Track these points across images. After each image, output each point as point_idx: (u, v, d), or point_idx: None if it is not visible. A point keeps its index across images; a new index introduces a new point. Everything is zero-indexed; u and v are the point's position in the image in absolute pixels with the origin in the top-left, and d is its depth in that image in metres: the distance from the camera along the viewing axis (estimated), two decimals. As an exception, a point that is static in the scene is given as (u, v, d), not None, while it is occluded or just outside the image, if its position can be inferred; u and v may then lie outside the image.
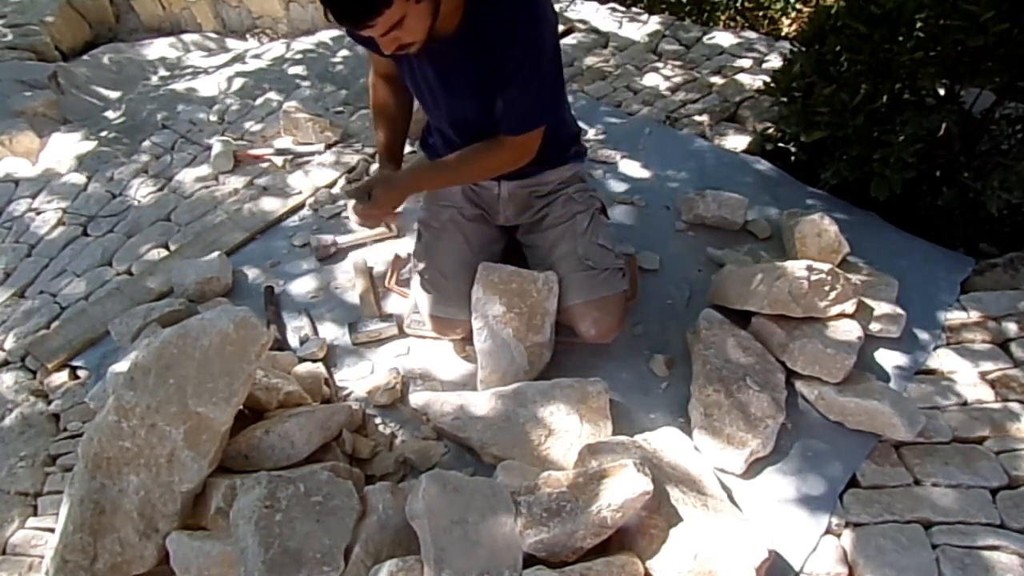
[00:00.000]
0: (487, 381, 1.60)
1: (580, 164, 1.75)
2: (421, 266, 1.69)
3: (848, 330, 1.56)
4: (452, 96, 1.46)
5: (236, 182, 2.56)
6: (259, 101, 3.13)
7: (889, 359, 1.65)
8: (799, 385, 1.56)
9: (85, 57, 4.35)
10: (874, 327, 1.65)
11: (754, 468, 1.44)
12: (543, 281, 1.61)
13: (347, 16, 1.15)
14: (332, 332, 1.84)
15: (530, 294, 1.59)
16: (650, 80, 2.88)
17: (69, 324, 1.99)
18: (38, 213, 2.59)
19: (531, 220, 1.74)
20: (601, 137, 2.52)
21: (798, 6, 3.95)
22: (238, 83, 3.40)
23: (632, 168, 2.33)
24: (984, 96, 1.96)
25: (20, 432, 1.73)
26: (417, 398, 1.57)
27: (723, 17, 3.93)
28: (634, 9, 3.61)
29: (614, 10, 3.52)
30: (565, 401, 1.50)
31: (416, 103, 1.62)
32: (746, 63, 2.93)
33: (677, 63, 3.02)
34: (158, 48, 4.55)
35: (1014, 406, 1.51)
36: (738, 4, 3.94)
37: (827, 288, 1.58)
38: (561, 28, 3.33)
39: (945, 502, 1.34)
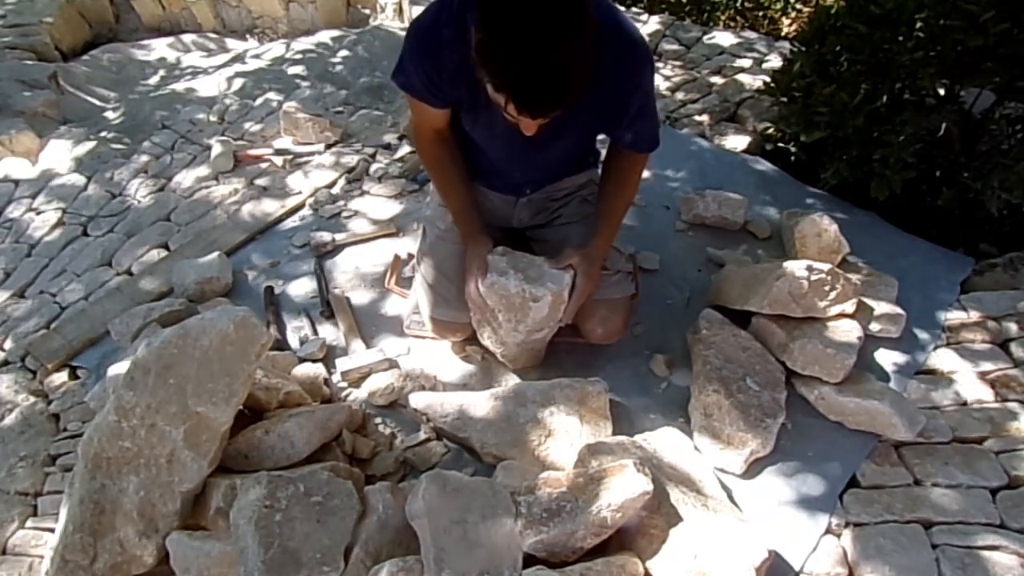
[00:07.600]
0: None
1: (595, 170, 1.75)
2: (424, 266, 1.68)
3: (848, 330, 1.56)
4: (539, 142, 1.39)
5: (236, 182, 2.56)
6: (259, 101, 3.13)
7: (889, 359, 1.65)
8: (799, 385, 1.56)
9: (85, 57, 4.36)
10: (874, 327, 1.65)
11: (754, 468, 1.44)
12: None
13: (539, 108, 1.09)
14: (332, 332, 1.84)
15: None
16: (650, 80, 2.87)
17: (69, 324, 1.99)
18: (38, 213, 2.59)
19: (544, 221, 1.74)
20: (601, 137, 2.51)
21: (798, 6, 3.95)
22: (238, 83, 3.40)
23: (632, 168, 2.33)
24: (984, 96, 1.96)
25: (20, 432, 1.73)
26: (417, 398, 1.57)
27: (723, 17, 3.93)
28: (634, 9, 3.61)
29: (614, 10, 3.52)
30: (565, 401, 1.50)
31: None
32: (746, 63, 2.93)
33: (677, 63, 3.02)
34: (158, 48, 4.55)
35: (1014, 406, 1.51)
36: (738, 4, 3.93)
37: (827, 288, 1.58)
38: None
39: (945, 502, 1.34)
